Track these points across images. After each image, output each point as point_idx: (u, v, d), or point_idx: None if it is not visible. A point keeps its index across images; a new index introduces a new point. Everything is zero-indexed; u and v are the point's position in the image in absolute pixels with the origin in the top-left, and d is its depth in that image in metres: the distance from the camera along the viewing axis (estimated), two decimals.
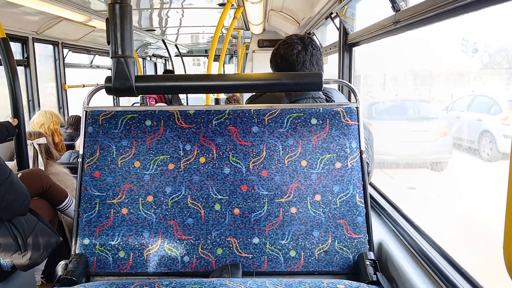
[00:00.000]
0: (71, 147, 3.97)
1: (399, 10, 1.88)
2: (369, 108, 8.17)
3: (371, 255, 1.44)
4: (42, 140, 3.01)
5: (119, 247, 1.49)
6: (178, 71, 10.24)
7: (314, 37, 4.80)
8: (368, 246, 1.48)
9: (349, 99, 2.48)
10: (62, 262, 1.44)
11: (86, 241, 1.49)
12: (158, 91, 1.61)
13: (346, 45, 2.90)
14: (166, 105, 6.71)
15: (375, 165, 1.91)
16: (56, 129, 3.82)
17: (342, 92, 2.68)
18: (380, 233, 1.68)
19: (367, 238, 1.48)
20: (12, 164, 3.03)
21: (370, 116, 8.06)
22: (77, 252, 1.49)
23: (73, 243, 1.49)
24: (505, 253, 0.74)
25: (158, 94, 7.44)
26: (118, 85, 1.36)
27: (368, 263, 1.41)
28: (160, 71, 11.78)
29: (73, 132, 4.52)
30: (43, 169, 2.96)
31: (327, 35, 4.86)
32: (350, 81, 2.93)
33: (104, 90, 1.40)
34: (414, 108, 8.45)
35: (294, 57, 1.77)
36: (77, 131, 4.48)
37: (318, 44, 1.84)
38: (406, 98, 9.06)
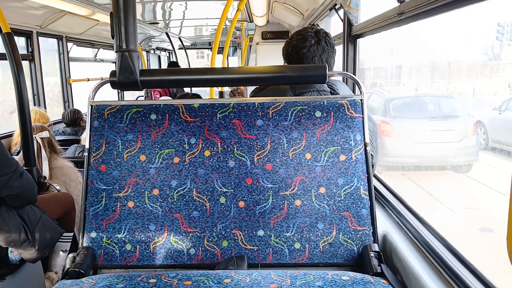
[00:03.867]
0: (75, 141, 3.98)
1: (404, 1, 1.86)
2: (386, 105, 7.38)
3: (376, 247, 1.45)
4: (45, 134, 3.02)
5: (126, 240, 1.51)
6: (182, 63, 10.22)
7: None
8: (372, 238, 1.49)
9: (354, 91, 2.47)
10: (70, 255, 1.46)
11: (93, 234, 1.51)
12: (162, 85, 1.62)
13: (351, 36, 2.88)
14: (170, 98, 6.72)
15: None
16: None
17: (347, 84, 2.67)
18: (384, 225, 1.69)
19: (372, 230, 1.49)
20: (18, 158, 3.05)
21: (387, 113, 7.30)
22: (84, 245, 1.51)
23: (80, 236, 1.51)
24: (508, 246, 0.74)
25: (162, 88, 7.44)
26: (123, 79, 1.37)
27: (372, 255, 1.42)
28: (164, 64, 11.77)
29: (70, 127, 4.45)
30: (47, 163, 2.98)
31: (331, 26, 4.82)
32: (354, 73, 2.91)
33: (109, 84, 1.40)
34: (436, 105, 7.55)
35: (305, 50, 1.75)
36: (75, 127, 4.45)
37: (333, 45, 1.79)
38: (428, 93, 8.08)
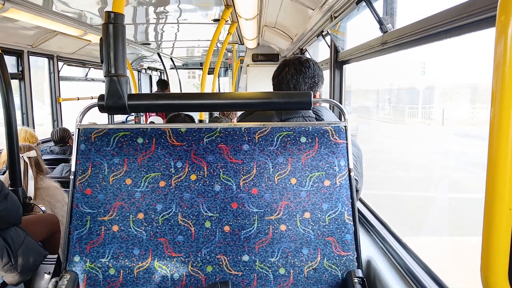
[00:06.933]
0: (63, 160, 3.95)
1: (387, 31, 1.93)
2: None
3: (359, 273, 1.46)
4: (32, 154, 3.00)
5: (110, 265, 1.50)
6: (173, 83, 10.29)
7: (306, 53, 4.86)
8: (356, 264, 1.50)
9: (339, 117, 2.52)
10: (53, 280, 1.44)
11: (77, 258, 1.50)
12: (150, 110, 1.64)
13: (337, 62, 2.95)
14: (159, 118, 6.72)
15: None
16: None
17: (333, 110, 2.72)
18: (368, 250, 1.70)
19: (356, 256, 1.50)
20: (3, 178, 3.02)
21: None
22: (67, 269, 1.49)
23: (63, 260, 1.50)
24: (482, 274, 0.76)
25: (150, 112, 7.44)
26: (111, 103, 1.39)
27: (356, 280, 1.42)
28: (155, 84, 11.84)
29: (58, 146, 4.43)
30: (33, 183, 2.95)
31: (319, 51, 4.92)
32: (340, 98, 2.97)
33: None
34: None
35: (276, 79, 1.86)
36: (63, 146, 4.43)
37: (310, 72, 1.80)
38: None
